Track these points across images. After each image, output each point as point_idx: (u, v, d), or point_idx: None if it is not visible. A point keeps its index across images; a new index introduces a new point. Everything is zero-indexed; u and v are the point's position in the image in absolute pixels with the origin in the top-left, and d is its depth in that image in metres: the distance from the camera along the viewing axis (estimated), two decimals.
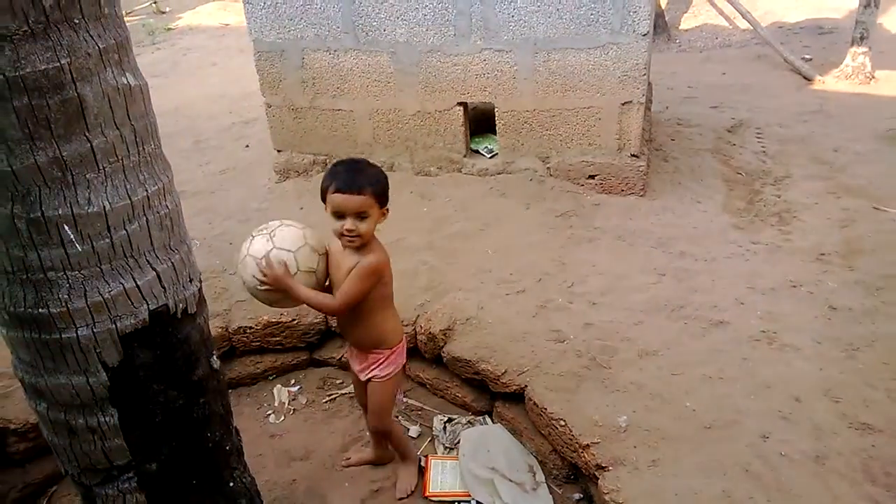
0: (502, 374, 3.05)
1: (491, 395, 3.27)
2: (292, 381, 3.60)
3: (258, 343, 3.53)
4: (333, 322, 3.48)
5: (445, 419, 3.25)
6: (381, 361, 2.55)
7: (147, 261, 1.53)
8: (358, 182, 2.13)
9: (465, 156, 4.86)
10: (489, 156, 4.88)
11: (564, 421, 2.72)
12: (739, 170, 4.99)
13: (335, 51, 4.68)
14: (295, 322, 3.53)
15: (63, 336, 1.45)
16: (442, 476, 2.95)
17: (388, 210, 2.27)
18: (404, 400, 3.44)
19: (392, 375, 2.60)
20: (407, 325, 3.40)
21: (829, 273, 3.55)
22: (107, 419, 1.58)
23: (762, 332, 3.09)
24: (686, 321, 3.22)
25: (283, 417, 3.37)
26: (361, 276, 2.26)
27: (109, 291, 1.47)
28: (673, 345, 3.06)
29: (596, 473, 2.53)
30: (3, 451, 2.83)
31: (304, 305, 2.35)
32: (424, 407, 3.40)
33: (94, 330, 1.47)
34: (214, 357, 1.81)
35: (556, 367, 3.00)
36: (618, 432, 2.62)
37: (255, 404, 3.46)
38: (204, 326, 1.76)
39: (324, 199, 2.20)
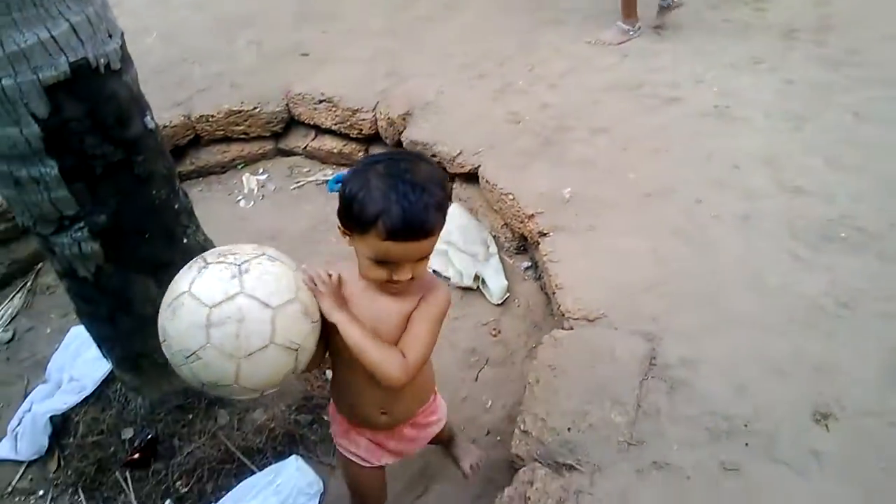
0: (458, 154, 3.14)
1: (449, 178, 3.38)
2: (260, 170, 3.71)
3: (222, 132, 3.58)
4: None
5: None
6: (431, 409, 1.75)
7: (59, 11, 1.53)
8: (427, 219, 1.23)
9: None
10: None
11: (513, 195, 2.86)
12: None
13: None
14: (257, 110, 3.56)
15: None
16: None
17: None
18: None
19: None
20: (366, 112, 3.44)
21: (794, 49, 3.51)
22: (47, 170, 1.67)
23: (714, 108, 3.13)
24: (642, 99, 3.25)
25: (252, 203, 3.52)
26: (437, 319, 1.43)
27: (25, 41, 1.49)
28: (626, 122, 3.11)
29: (538, 240, 2.71)
30: None
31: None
32: None
33: (17, 80, 1.51)
34: (149, 118, 1.86)
35: (510, 147, 3.09)
36: (562, 203, 2.76)
37: (225, 191, 3.60)
38: (132, 86, 1.79)
39: (353, 231, 1.29)
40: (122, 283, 1.97)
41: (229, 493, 2.18)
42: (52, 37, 1.54)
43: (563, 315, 2.32)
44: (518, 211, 2.81)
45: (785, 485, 1.71)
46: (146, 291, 2.02)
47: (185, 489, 2.22)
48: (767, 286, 2.28)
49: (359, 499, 1.81)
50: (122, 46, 1.74)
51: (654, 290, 2.31)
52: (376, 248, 1.25)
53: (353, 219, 1.25)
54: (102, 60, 1.65)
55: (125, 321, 2.05)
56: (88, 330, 2.17)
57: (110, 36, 1.69)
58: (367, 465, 1.66)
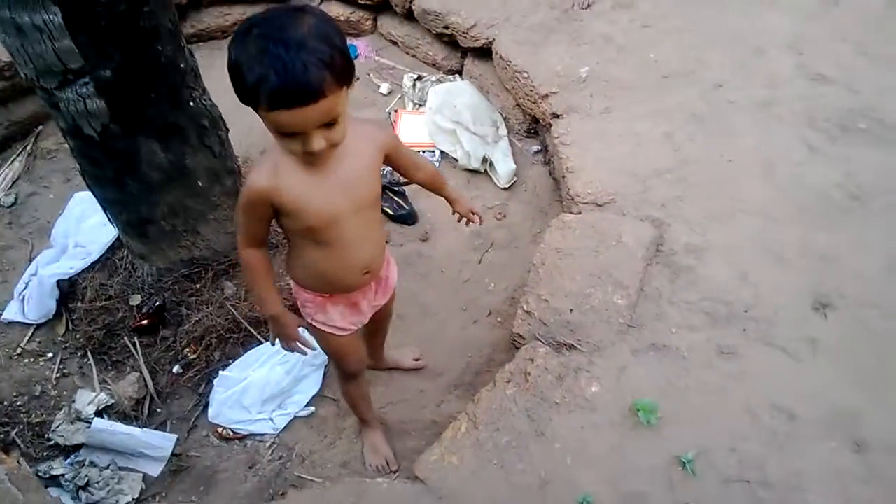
0: (471, 27, 3.00)
1: (461, 53, 3.26)
2: None
3: None
4: None
5: (415, 77, 3.28)
6: (386, 255, 1.74)
7: None
8: (310, 75, 1.10)
9: None
10: None
11: (527, 73, 2.75)
12: None
13: None
14: None
15: None
16: (409, 128, 3.08)
17: (356, 78, 1.32)
18: (376, 59, 3.44)
19: None
20: None
21: None
22: (51, 17, 1.59)
23: None
24: None
25: None
26: (398, 140, 1.61)
27: None
28: None
29: (551, 122, 2.64)
30: None
31: None
32: (396, 66, 3.41)
33: None
34: None
35: (527, 20, 2.95)
36: (577, 83, 2.67)
37: (225, 58, 3.45)
38: None
39: (247, 103, 1.16)
40: (129, 144, 1.93)
41: (236, 361, 2.26)
42: None
43: (573, 199, 2.30)
44: (531, 90, 2.73)
45: (778, 368, 1.77)
46: (153, 155, 1.99)
47: (193, 356, 2.30)
48: (779, 175, 2.26)
49: (343, 365, 1.87)
50: None
51: (665, 176, 2.29)
52: (270, 120, 1.17)
53: (239, 92, 1.15)
54: None
55: (131, 185, 2.03)
56: (94, 192, 2.15)
57: None
58: (344, 332, 1.71)
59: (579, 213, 2.26)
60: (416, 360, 2.29)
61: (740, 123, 2.43)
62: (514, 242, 2.64)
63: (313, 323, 1.68)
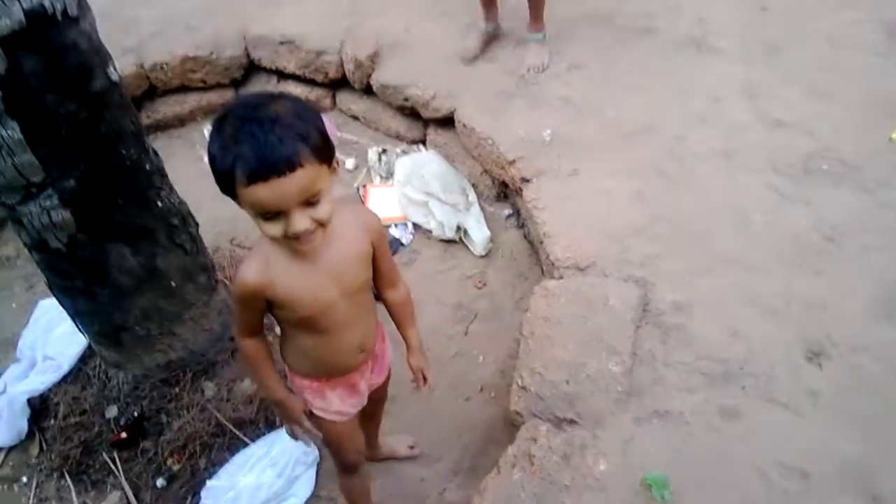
0: (432, 97, 3.02)
1: (423, 123, 3.28)
2: None
3: (178, 81, 3.38)
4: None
5: (380, 150, 3.28)
6: (379, 330, 1.69)
7: None
8: (285, 146, 1.10)
9: None
10: None
11: (492, 139, 2.78)
12: None
13: None
14: (214, 56, 3.35)
15: None
16: (380, 202, 3.05)
17: (338, 162, 1.26)
18: (338, 134, 3.43)
19: None
20: (332, 54, 3.28)
21: None
22: (9, 132, 1.53)
23: (691, 37, 3.06)
24: (618, 30, 3.15)
25: None
26: (386, 240, 1.52)
27: None
28: (602, 56, 3.02)
29: (521, 186, 2.65)
30: None
31: None
32: (359, 140, 3.41)
33: None
34: (112, 69, 1.71)
35: (486, 88, 2.98)
36: (542, 145, 2.69)
37: (187, 146, 3.42)
38: (92, 34, 1.64)
39: (228, 192, 1.15)
40: (97, 252, 1.86)
41: (224, 467, 2.14)
42: None
43: (553, 264, 2.29)
44: (498, 157, 2.74)
45: (782, 425, 1.75)
46: (122, 260, 1.92)
47: (178, 466, 2.18)
48: (753, 224, 2.29)
49: (343, 455, 1.79)
50: None
51: (641, 234, 2.30)
52: (249, 200, 1.13)
53: (217, 176, 1.13)
54: (59, 6, 1.51)
55: (102, 293, 1.95)
56: (63, 304, 2.06)
57: None
58: (343, 418, 1.66)
59: (561, 278, 2.24)
60: (412, 447, 2.21)
61: (707, 175, 2.47)
62: (497, 311, 2.61)
63: (312, 410, 1.62)
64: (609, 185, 2.49)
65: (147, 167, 1.90)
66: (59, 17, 1.50)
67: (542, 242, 2.40)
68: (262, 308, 1.39)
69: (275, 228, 1.18)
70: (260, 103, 1.13)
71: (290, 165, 1.10)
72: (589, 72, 2.96)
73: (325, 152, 1.16)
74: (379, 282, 1.56)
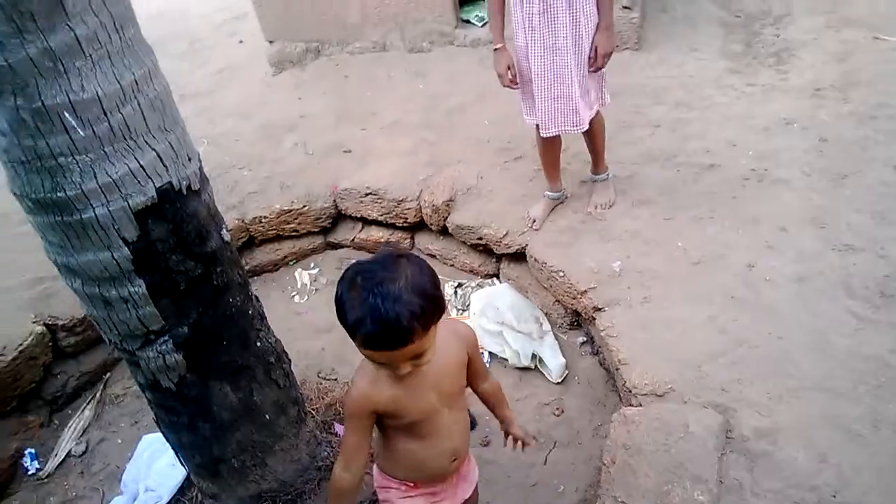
0: (504, 235, 3.21)
1: (496, 258, 3.45)
2: (311, 265, 3.82)
3: (274, 231, 3.72)
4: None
5: (456, 284, 3.46)
6: (469, 458, 1.84)
7: (145, 141, 1.66)
8: (401, 326, 1.27)
9: (455, 27, 4.82)
10: (480, 24, 4.83)
11: (563, 272, 2.90)
12: (738, 12, 4.87)
13: None
14: (306, 208, 3.70)
15: (83, 216, 1.61)
16: None
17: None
18: None
19: None
20: (411, 201, 3.56)
21: (823, 107, 3.57)
22: (136, 289, 1.77)
23: (752, 171, 3.18)
24: (679, 168, 3.31)
25: (306, 297, 3.61)
26: (477, 345, 1.70)
27: (116, 172, 1.61)
28: (666, 192, 3.17)
29: (594, 315, 2.73)
30: (56, 346, 3.12)
31: None
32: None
33: (110, 208, 1.63)
34: (224, 231, 1.97)
35: (555, 225, 3.15)
36: (613, 277, 2.79)
37: (280, 288, 3.70)
38: (209, 202, 1.91)
39: (349, 334, 1.34)
40: (202, 390, 2.03)
41: None
42: (141, 166, 1.65)
43: (630, 391, 2.32)
44: (570, 287, 2.85)
45: None
46: (224, 397, 2.08)
47: None
48: (833, 348, 2.27)
49: None
50: (200, 168, 1.87)
51: (718, 360, 2.31)
52: (363, 353, 1.36)
53: (340, 320, 1.34)
54: (184, 182, 1.77)
55: (205, 427, 2.10)
56: (168, 438, 2.22)
57: (190, 159, 1.81)
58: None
59: (640, 405, 2.26)
60: None
61: (781, 300, 2.49)
62: (576, 439, 2.61)
63: None
64: (682, 312, 2.54)
65: (249, 312, 2.11)
66: (185, 192, 1.77)
67: (617, 369, 2.44)
68: (370, 423, 1.55)
69: (384, 368, 1.41)
70: (385, 275, 1.29)
71: (403, 342, 1.29)
72: (654, 207, 3.09)
73: (434, 319, 1.33)
74: (474, 380, 1.73)
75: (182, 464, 2.31)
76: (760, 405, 2.12)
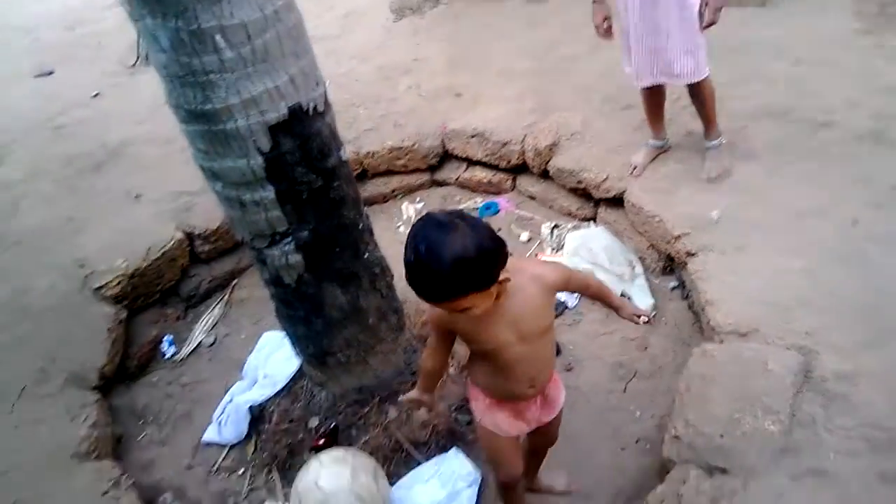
0: (603, 180, 3.29)
1: (594, 203, 3.54)
2: (417, 199, 4.06)
3: (385, 166, 3.98)
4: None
5: (552, 225, 3.58)
6: (554, 378, 1.94)
7: (281, 65, 1.89)
8: (445, 291, 1.40)
9: None
10: None
11: (659, 217, 2.96)
12: None
13: None
14: (416, 146, 3.92)
15: (226, 127, 1.88)
16: None
17: (503, 280, 1.48)
18: (515, 211, 3.80)
19: None
20: (515, 144, 3.69)
21: None
22: (266, 194, 2.04)
23: (870, 131, 3.06)
24: (792, 124, 3.24)
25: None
26: (568, 276, 1.75)
27: (256, 90, 1.86)
28: (776, 147, 3.12)
29: (686, 260, 2.79)
30: (193, 252, 3.54)
31: None
32: (534, 217, 3.74)
33: (249, 121, 1.89)
34: (343, 151, 2.21)
35: (656, 172, 3.19)
36: (709, 224, 2.82)
37: (387, 218, 3.97)
38: (331, 124, 2.14)
39: None
40: (317, 289, 2.31)
41: (401, 481, 2.46)
42: (276, 86, 1.90)
43: (714, 329, 2.39)
44: (664, 232, 2.91)
45: None
46: (335, 298, 2.35)
47: None
48: None
49: (500, 469, 1.99)
50: (325, 93, 2.10)
51: (807, 307, 2.33)
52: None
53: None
54: (311, 104, 2.00)
55: (317, 322, 2.39)
56: (286, 329, 2.53)
57: (317, 84, 2.04)
58: (505, 434, 1.87)
59: (721, 342, 2.33)
60: (570, 484, 2.37)
61: (880, 255, 2.45)
62: (657, 373, 2.71)
63: (480, 422, 1.89)
64: (776, 262, 2.55)
65: (360, 226, 2.36)
66: (311, 113, 2.01)
67: (703, 309, 2.51)
68: (449, 339, 1.73)
69: None
70: (438, 238, 1.35)
71: (440, 303, 1.43)
72: (761, 161, 3.06)
73: (477, 285, 1.41)
74: (580, 291, 1.98)
75: (297, 354, 2.63)
76: (844, 350, 2.14)
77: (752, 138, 3.21)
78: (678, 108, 3.36)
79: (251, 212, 2.10)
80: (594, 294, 1.91)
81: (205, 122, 1.91)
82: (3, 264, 3.42)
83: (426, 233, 1.38)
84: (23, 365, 2.82)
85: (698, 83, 2.88)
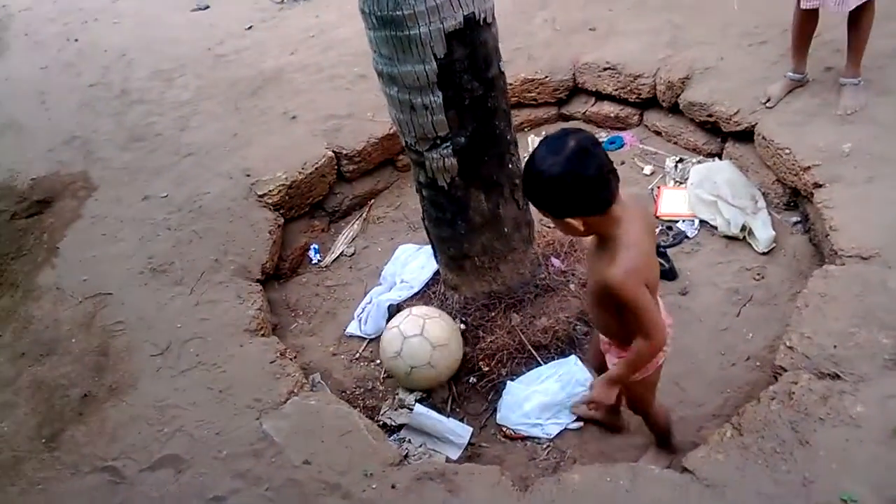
0: (735, 113, 3.37)
1: (721, 138, 3.62)
2: (543, 132, 4.24)
3: (516, 98, 4.17)
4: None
5: (677, 159, 3.70)
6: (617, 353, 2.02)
7: None
8: (528, 192, 1.64)
9: None
10: None
11: (790, 149, 3.04)
12: None
13: None
14: (547, 79, 4.10)
15: (410, 32, 2.16)
16: (670, 202, 3.48)
17: (583, 219, 1.60)
18: (640, 146, 3.93)
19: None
20: (647, 77, 3.80)
21: None
22: (435, 98, 2.32)
23: None
24: None
25: None
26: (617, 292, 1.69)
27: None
28: None
29: (812, 191, 2.88)
30: (339, 170, 3.92)
31: None
32: (658, 151, 3.86)
33: (430, 28, 2.16)
34: (500, 63, 2.45)
35: (790, 106, 3.25)
36: (840, 156, 2.89)
37: None
38: (495, 36, 2.37)
39: None
40: (465, 193, 2.58)
41: (521, 377, 2.75)
42: None
43: (836, 253, 2.51)
44: (793, 164, 2.99)
45: None
46: (479, 203, 2.62)
47: (486, 369, 2.81)
48: None
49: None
50: (493, 6, 2.33)
51: None
52: None
53: None
54: (482, 15, 2.25)
55: (461, 226, 2.68)
56: (430, 231, 2.83)
57: None
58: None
59: (843, 265, 2.45)
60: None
61: None
62: (772, 300, 2.84)
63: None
64: None
65: (508, 137, 2.60)
66: (481, 23, 2.26)
67: (827, 235, 2.62)
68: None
69: None
70: (546, 154, 1.54)
71: (530, 201, 1.67)
72: None
73: (552, 209, 1.61)
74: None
75: (436, 257, 2.95)
76: None
77: (889, 77, 3.19)
78: (817, 44, 3.35)
79: (420, 115, 2.39)
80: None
81: (392, 28, 2.19)
82: (182, 171, 3.90)
83: (543, 146, 1.57)
84: (200, 255, 3.26)
85: (864, 7, 2.88)
